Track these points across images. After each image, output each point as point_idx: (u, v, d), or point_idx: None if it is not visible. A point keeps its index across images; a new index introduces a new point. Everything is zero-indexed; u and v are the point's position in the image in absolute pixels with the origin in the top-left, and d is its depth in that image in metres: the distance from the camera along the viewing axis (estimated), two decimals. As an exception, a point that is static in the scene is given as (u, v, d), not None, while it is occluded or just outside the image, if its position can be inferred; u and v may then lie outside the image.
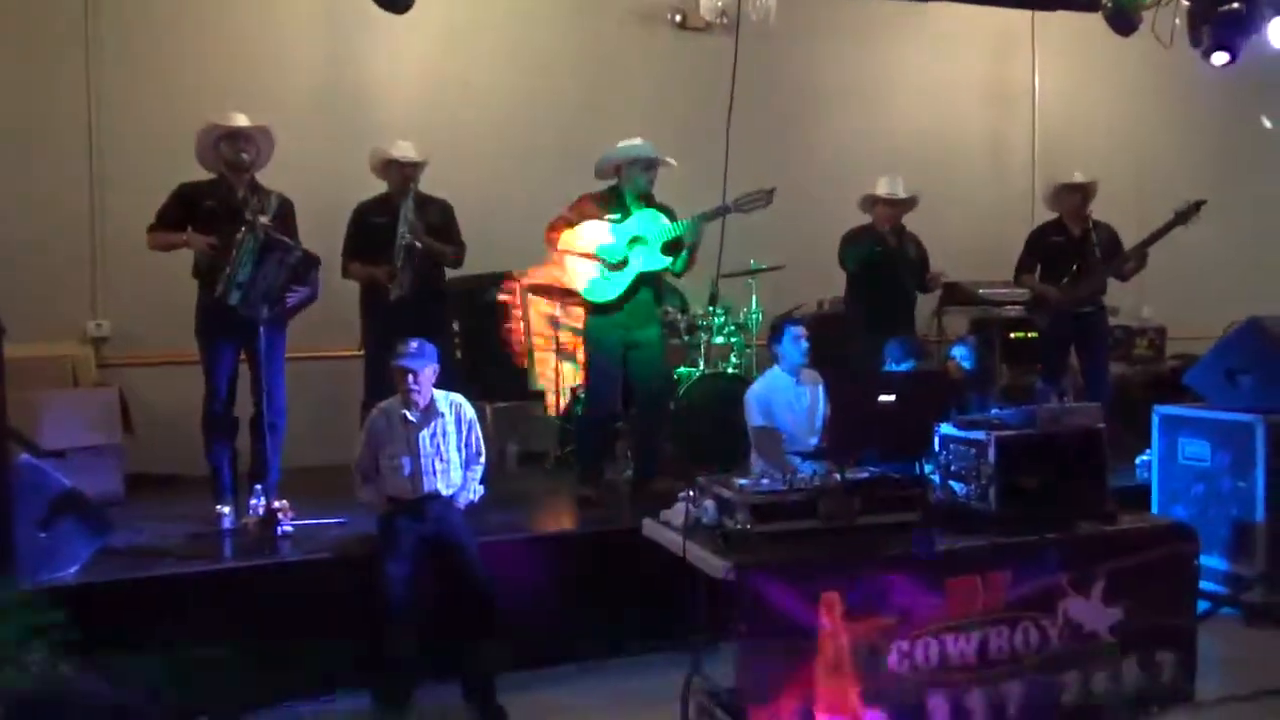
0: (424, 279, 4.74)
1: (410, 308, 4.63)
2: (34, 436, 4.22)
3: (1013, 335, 6.48)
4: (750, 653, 2.89)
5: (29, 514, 3.33)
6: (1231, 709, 3.54)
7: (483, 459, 3.83)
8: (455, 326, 5.73)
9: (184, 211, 4.26)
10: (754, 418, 4.42)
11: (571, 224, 4.43)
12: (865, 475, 3.38)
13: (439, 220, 4.89)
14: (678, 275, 4.63)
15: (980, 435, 3.51)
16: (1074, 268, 5.50)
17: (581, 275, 4.44)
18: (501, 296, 6.00)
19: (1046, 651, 3.22)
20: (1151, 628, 3.38)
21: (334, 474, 4.32)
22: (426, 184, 4.98)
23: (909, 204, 5.44)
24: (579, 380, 5.56)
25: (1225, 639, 4.14)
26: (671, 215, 4.48)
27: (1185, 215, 5.19)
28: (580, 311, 4.94)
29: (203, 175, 4.38)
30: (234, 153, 4.26)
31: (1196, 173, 7.81)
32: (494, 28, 6.43)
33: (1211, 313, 6.83)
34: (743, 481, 3.35)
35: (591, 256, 4.42)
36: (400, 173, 4.80)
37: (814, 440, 4.21)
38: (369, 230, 4.75)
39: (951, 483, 3.65)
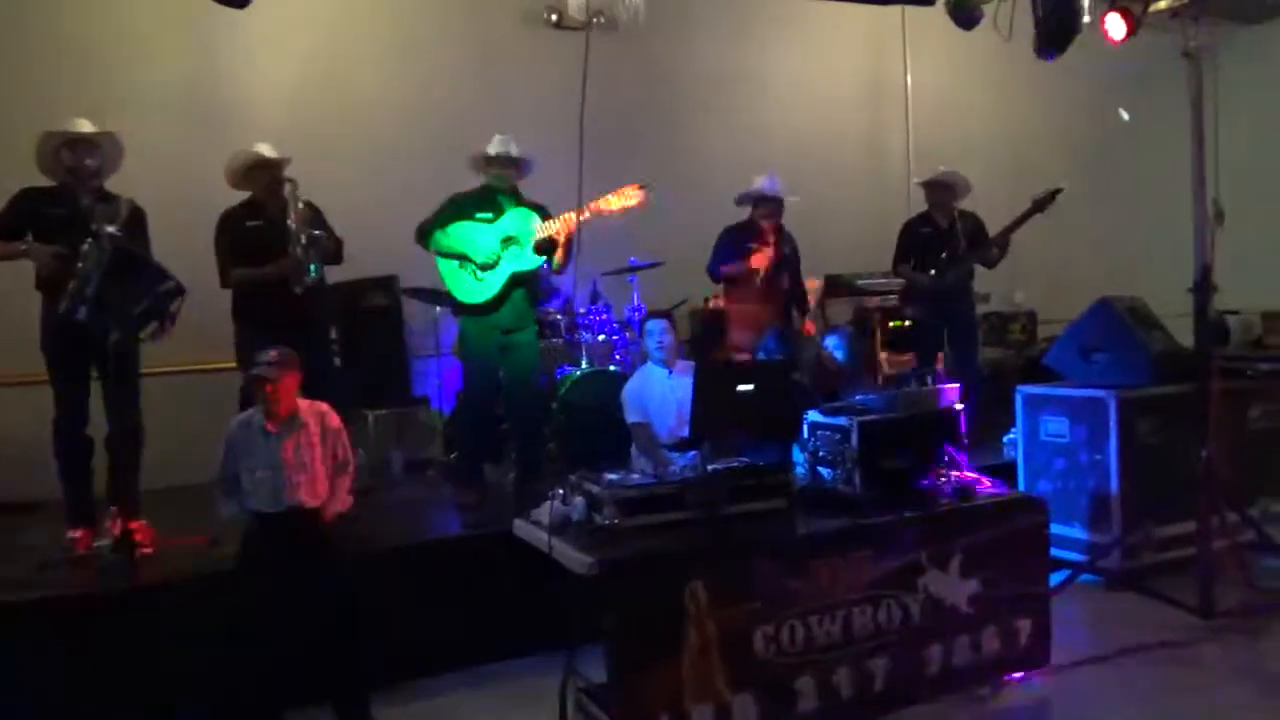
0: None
1: (285, 313, 4.51)
2: None
3: (891, 324, 6.68)
4: (618, 647, 2.89)
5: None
6: (1088, 670, 3.73)
7: (351, 468, 3.74)
8: (333, 333, 5.62)
9: (23, 220, 4.04)
10: (629, 414, 4.45)
11: (442, 225, 4.38)
12: (731, 465, 3.44)
13: (310, 218, 4.78)
14: (556, 274, 4.62)
15: (843, 421, 3.61)
16: (942, 257, 5.70)
17: (453, 276, 4.39)
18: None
19: (909, 626, 3.32)
20: (1008, 597, 3.52)
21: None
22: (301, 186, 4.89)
23: (784, 201, 5.54)
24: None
25: (1086, 604, 4.36)
26: (545, 213, 4.47)
27: (1043, 203, 5.44)
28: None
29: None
30: (76, 160, 4.07)
31: (1068, 160, 8.19)
32: (370, 27, 6.32)
33: (1081, 296, 7.05)
34: (612, 477, 3.37)
35: (462, 257, 4.37)
36: (270, 173, 4.67)
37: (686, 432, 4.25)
38: (245, 235, 4.60)
39: (820, 468, 3.74)
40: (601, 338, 5.44)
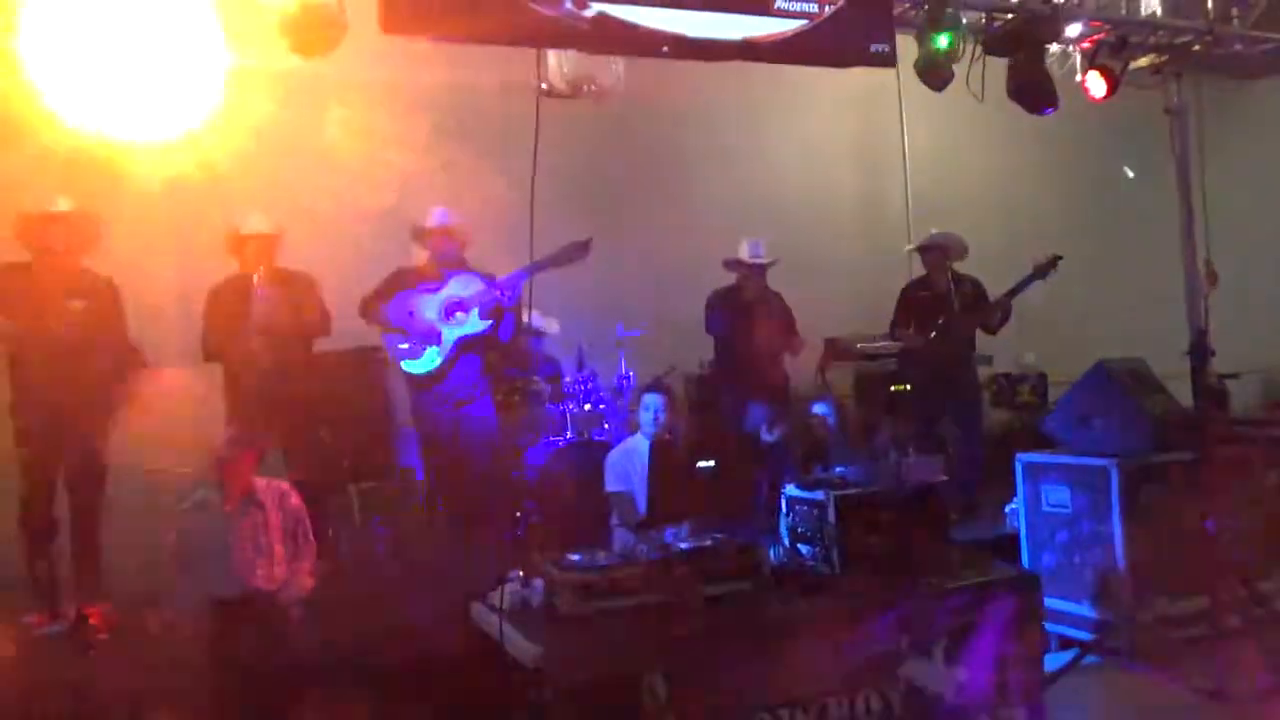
0: (289, 355, 4.61)
1: (271, 386, 4.49)
2: None
3: (893, 388, 6.50)
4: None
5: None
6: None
7: (311, 548, 3.63)
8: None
9: None
10: (610, 482, 4.34)
11: (383, 298, 4.37)
12: (702, 543, 3.28)
13: (299, 293, 4.77)
14: (504, 343, 4.56)
15: (819, 495, 3.46)
16: (939, 321, 5.56)
17: (397, 349, 4.35)
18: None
19: (890, 718, 3.12)
20: (998, 685, 3.30)
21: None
22: (290, 259, 4.87)
23: (768, 266, 5.46)
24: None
25: (1092, 686, 4.11)
26: (490, 279, 4.43)
27: (1043, 269, 5.34)
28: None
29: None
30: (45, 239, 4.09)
31: (1070, 219, 8.09)
32: (362, 100, 6.36)
33: (1091, 357, 6.98)
34: (575, 557, 3.23)
35: (407, 328, 4.34)
36: (251, 247, 4.69)
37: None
38: (228, 310, 4.60)
39: (799, 545, 3.58)
40: (588, 407, 5.31)
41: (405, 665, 3.45)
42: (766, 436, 4.44)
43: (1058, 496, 4.69)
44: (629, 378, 5.59)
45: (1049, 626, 4.64)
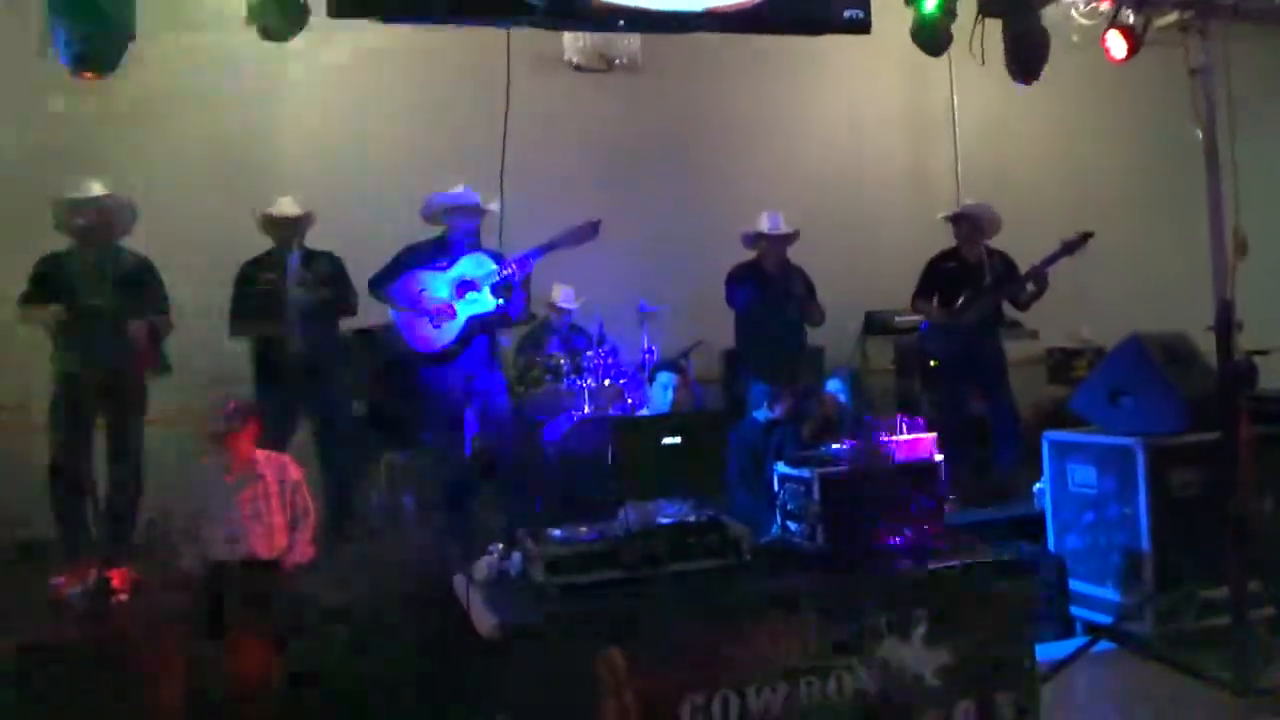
0: (316, 333, 4.76)
1: (301, 361, 4.66)
2: None
3: (932, 363, 6.33)
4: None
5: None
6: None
7: (311, 519, 3.75)
8: (360, 378, 5.72)
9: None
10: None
11: (395, 275, 4.42)
12: (685, 520, 3.27)
13: (328, 272, 4.93)
14: (514, 322, 4.58)
15: (805, 473, 3.41)
16: (966, 295, 5.38)
17: (408, 327, 4.41)
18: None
19: (864, 700, 3.06)
20: (987, 669, 3.21)
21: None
22: (325, 236, 5.00)
23: (791, 239, 5.36)
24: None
25: (1107, 676, 3.96)
26: (500, 258, 4.45)
27: (1072, 246, 5.13)
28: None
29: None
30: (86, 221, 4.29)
31: (1127, 185, 7.70)
32: (391, 79, 6.45)
33: (1153, 329, 6.67)
34: (557, 533, 3.26)
35: (417, 307, 4.38)
36: (280, 229, 4.84)
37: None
38: (255, 286, 4.78)
39: (789, 522, 3.54)
40: (608, 382, 5.31)
41: (388, 633, 3.55)
42: (768, 413, 4.37)
43: (1084, 476, 4.50)
44: (652, 352, 5.57)
45: (1074, 610, 4.51)
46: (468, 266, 4.42)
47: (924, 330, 5.75)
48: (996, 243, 5.68)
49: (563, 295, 5.77)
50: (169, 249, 4.89)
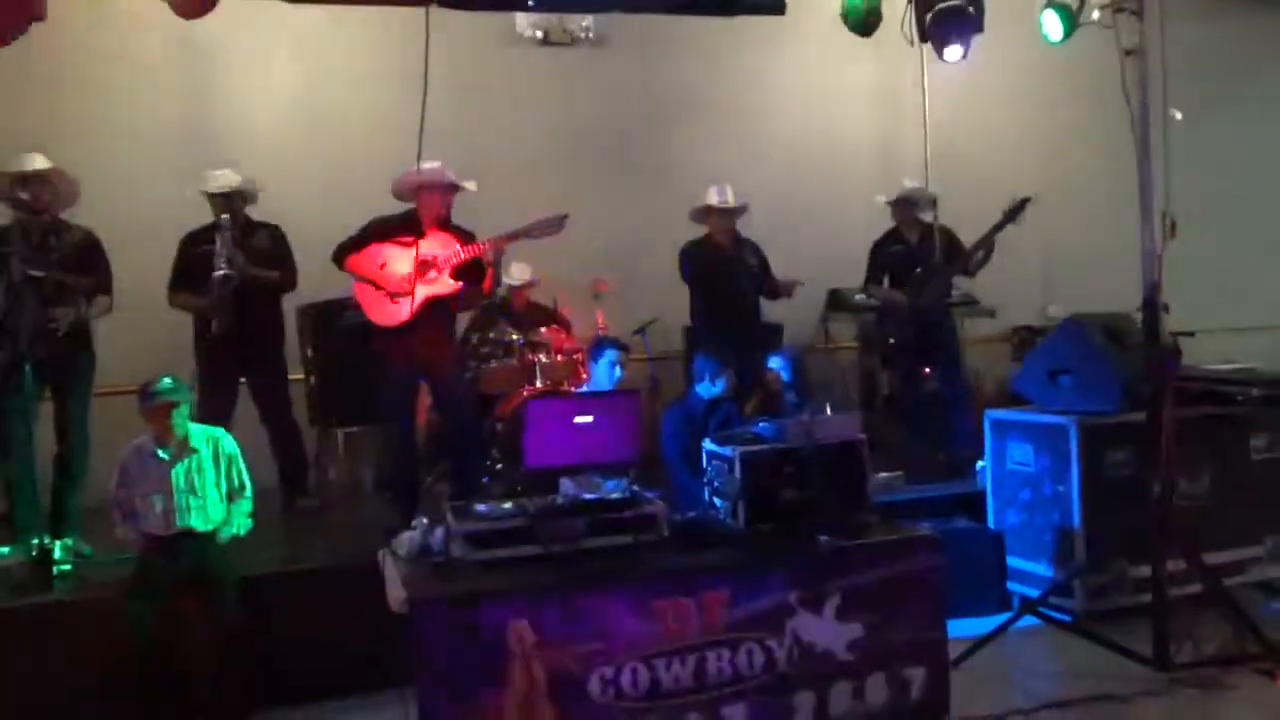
0: (252, 308, 4.78)
1: (238, 337, 4.68)
2: None
3: (891, 341, 6.37)
4: (431, 693, 2.82)
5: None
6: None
7: (248, 492, 3.80)
8: (309, 352, 5.76)
9: None
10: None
11: (360, 247, 4.42)
12: (604, 496, 3.32)
13: (267, 246, 4.95)
14: (485, 299, 4.59)
15: (728, 451, 3.46)
16: (916, 273, 5.42)
17: (368, 299, 4.42)
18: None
19: (774, 672, 3.13)
20: (898, 643, 3.27)
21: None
22: (276, 208, 5.01)
23: (739, 211, 5.37)
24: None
25: (1032, 650, 4.02)
26: (467, 238, 4.45)
27: (1013, 213, 5.15)
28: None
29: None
30: (28, 194, 4.30)
31: (1095, 163, 7.66)
32: (349, 50, 6.42)
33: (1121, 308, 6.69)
34: (482, 508, 3.31)
35: (377, 281, 4.39)
36: (218, 201, 4.87)
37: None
38: (194, 259, 4.82)
39: (716, 499, 3.59)
40: (560, 358, 5.36)
41: (310, 603, 3.62)
42: (711, 389, 4.40)
43: (1022, 455, 4.56)
44: (606, 329, 5.62)
45: (1011, 586, 4.57)
46: (432, 245, 4.40)
47: (879, 310, 5.79)
48: (955, 218, 5.70)
49: (518, 272, 5.80)
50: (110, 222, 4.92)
